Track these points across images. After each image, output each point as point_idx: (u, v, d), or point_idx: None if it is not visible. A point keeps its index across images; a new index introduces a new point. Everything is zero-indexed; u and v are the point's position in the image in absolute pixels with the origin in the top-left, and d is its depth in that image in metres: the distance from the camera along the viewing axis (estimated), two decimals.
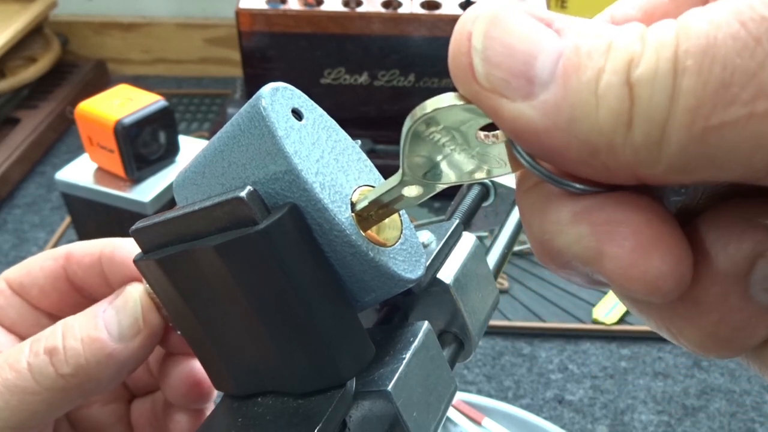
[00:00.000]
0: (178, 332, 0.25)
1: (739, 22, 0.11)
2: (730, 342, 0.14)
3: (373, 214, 0.20)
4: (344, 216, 0.20)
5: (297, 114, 0.20)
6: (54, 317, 0.28)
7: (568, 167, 0.14)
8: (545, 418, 0.68)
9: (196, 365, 0.27)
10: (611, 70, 0.12)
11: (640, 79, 0.12)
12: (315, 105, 0.21)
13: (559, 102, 0.13)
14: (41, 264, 0.28)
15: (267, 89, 0.20)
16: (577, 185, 0.14)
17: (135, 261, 0.22)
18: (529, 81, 0.13)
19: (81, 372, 0.24)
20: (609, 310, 0.83)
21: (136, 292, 0.25)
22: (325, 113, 0.22)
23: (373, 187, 0.22)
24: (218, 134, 0.21)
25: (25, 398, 0.23)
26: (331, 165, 0.20)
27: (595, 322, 0.83)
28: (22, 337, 0.28)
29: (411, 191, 0.19)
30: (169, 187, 0.80)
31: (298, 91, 0.21)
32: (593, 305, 0.84)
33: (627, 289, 0.14)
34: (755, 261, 0.14)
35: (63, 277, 0.28)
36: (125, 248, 0.27)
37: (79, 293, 0.28)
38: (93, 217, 0.82)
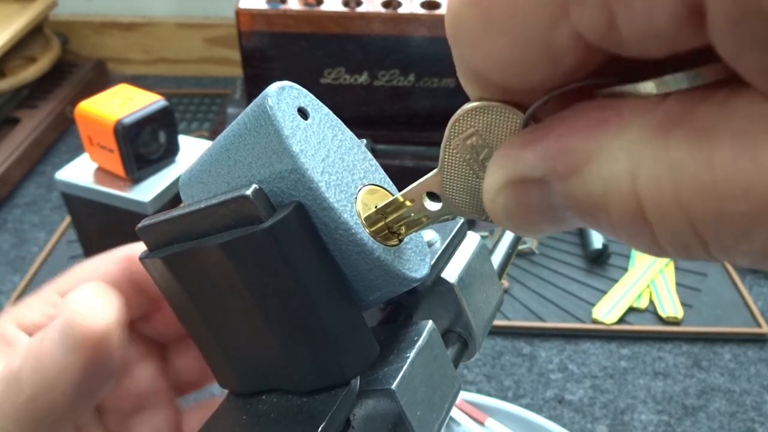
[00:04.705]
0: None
1: None
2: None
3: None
4: (349, 215, 0.20)
5: (303, 113, 0.20)
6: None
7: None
8: (545, 418, 0.68)
9: None
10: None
11: None
12: (321, 104, 0.21)
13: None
14: (105, 269, 0.26)
15: (273, 88, 0.20)
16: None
17: (141, 259, 0.22)
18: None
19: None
20: (609, 310, 0.83)
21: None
22: (330, 112, 0.22)
23: (378, 185, 0.22)
24: (224, 133, 0.21)
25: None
26: (337, 164, 0.21)
27: (595, 322, 0.83)
28: None
29: None
30: (170, 187, 0.80)
31: (304, 90, 0.21)
32: (593, 305, 0.84)
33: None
34: None
35: (125, 280, 0.26)
36: None
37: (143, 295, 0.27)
38: (93, 217, 0.82)
